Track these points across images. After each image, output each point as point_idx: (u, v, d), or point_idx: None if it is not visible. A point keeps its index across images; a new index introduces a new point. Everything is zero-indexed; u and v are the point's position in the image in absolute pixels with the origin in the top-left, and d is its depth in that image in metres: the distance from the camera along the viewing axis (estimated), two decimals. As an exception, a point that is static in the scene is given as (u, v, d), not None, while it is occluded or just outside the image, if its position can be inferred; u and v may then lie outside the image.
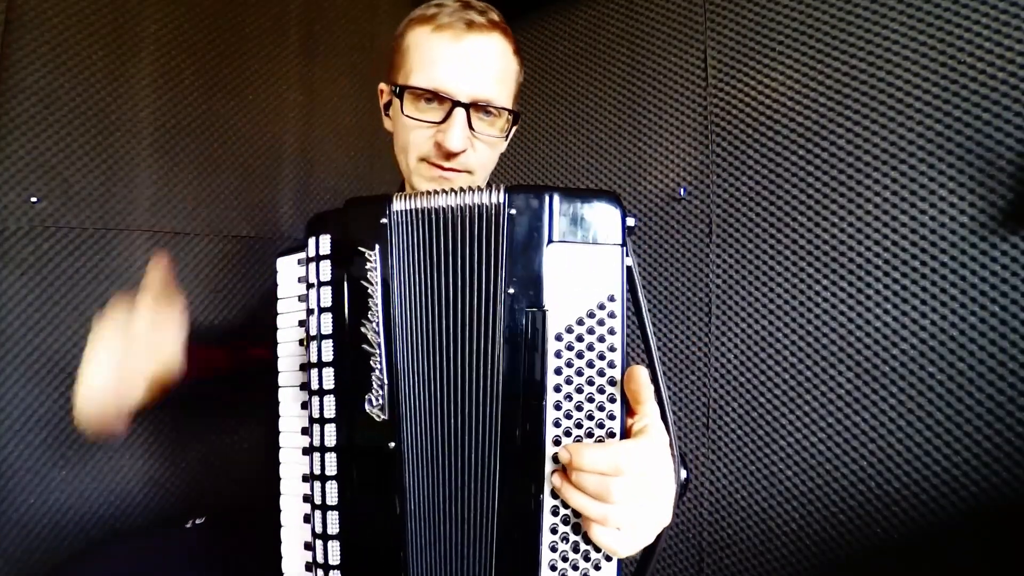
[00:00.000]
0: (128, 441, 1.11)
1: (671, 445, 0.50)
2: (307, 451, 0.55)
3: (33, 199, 1.04)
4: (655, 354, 0.52)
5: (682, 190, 1.10)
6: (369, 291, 0.53)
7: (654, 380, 0.51)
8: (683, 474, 0.53)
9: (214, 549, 0.72)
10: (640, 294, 0.53)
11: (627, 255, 0.51)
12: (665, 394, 0.51)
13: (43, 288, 1.05)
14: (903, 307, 0.87)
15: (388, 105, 0.75)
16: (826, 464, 0.92)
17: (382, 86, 0.77)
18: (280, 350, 0.60)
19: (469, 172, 0.71)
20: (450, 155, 0.67)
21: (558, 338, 0.50)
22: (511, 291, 0.50)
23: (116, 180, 1.13)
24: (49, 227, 1.06)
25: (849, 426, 0.90)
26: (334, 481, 0.53)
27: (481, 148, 0.70)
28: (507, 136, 0.74)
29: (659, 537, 0.50)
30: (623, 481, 0.45)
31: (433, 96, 0.67)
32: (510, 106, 0.72)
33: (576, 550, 0.49)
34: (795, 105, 0.99)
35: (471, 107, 0.67)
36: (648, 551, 0.51)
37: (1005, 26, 0.81)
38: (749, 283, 1.02)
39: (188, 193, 1.20)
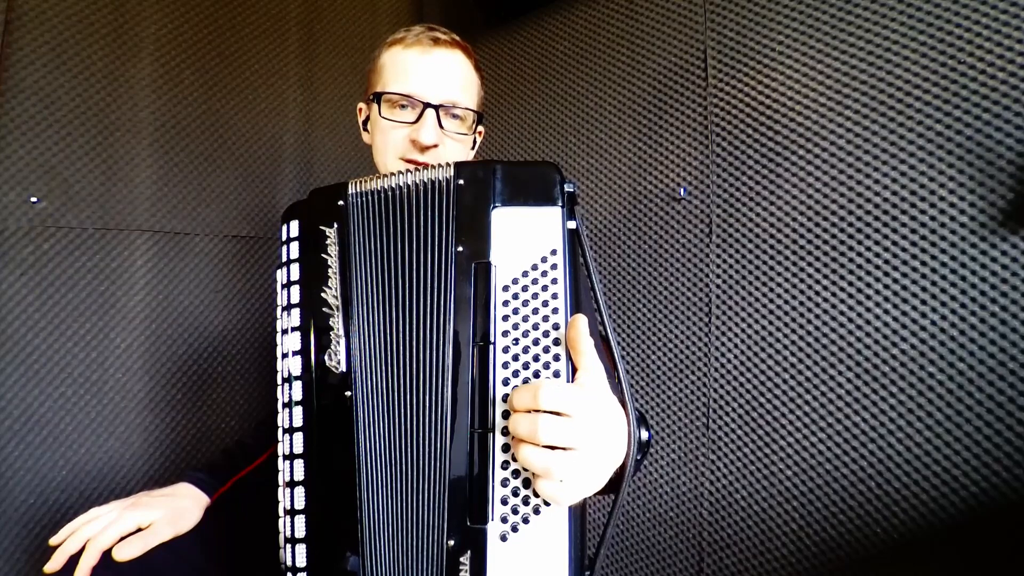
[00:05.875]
0: (129, 440, 1.11)
1: (624, 403, 0.51)
2: (284, 406, 0.59)
3: (33, 199, 1.04)
4: (604, 313, 0.55)
5: (682, 190, 1.11)
6: (329, 263, 0.59)
7: (604, 338, 0.54)
8: (644, 435, 0.53)
9: (213, 545, 0.72)
10: (588, 256, 0.56)
11: (570, 219, 0.55)
12: (616, 351, 0.53)
13: (43, 288, 1.05)
14: (903, 307, 0.87)
15: (366, 121, 0.86)
16: (826, 464, 0.92)
17: (360, 104, 0.88)
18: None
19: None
20: (424, 149, 0.76)
21: (505, 289, 0.53)
22: (460, 249, 0.55)
23: (116, 180, 1.13)
24: (49, 227, 1.06)
25: (849, 426, 0.90)
26: (300, 432, 0.57)
27: (451, 145, 0.79)
28: (474, 133, 0.83)
29: (620, 483, 0.51)
30: (553, 421, 0.45)
31: (407, 100, 0.77)
32: (475, 108, 0.82)
33: (527, 485, 0.50)
34: (795, 105, 0.99)
35: (440, 108, 0.77)
36: (611, 489, 0.52)
37: (1005, 26, 0.81)
38: (749, 283, 1.02)
39: (188, 193, 1.20)
